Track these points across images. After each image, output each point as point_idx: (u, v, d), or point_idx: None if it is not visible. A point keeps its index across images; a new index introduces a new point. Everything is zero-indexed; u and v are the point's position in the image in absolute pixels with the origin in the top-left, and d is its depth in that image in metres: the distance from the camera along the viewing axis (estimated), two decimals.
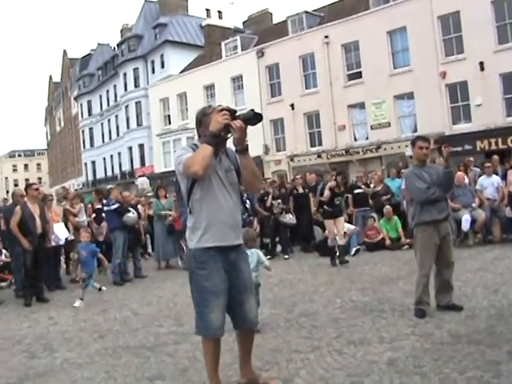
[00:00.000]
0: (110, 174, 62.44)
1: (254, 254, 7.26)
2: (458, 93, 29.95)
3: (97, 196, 15.65)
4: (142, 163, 52.90)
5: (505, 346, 5.67)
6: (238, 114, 4.65)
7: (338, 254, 13.32)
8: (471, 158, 18.27)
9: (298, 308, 8.56)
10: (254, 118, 4.63)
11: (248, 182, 4.93)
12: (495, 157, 16.97)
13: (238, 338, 5.17)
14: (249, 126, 4.61)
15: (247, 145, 4.72)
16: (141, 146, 53.45)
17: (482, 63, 28.33)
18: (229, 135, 4.67)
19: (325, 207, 13.66)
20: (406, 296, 8.48)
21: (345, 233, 13.88)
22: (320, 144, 36.01)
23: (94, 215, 15.31)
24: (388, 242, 15.52)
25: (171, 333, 7.64)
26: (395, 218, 15.88)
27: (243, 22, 54.13)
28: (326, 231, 14.05)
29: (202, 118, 4.85)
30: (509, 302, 7.57)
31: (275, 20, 51.36)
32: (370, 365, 5.48)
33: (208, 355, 4.86)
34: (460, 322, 6.76)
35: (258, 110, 4.73)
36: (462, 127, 29.56)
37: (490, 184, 14.82)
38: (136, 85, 54.07)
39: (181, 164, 4.64)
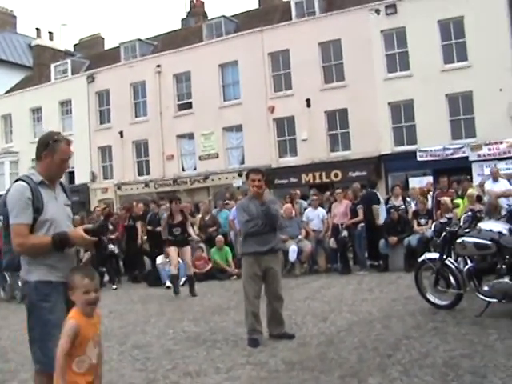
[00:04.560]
0: None
1: None
2: (286, 127, 31.01)
3: None
4: None
5: (337, 371, 5.88)
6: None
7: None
8: (297, 191, 18.88)
9: (130, 340, 8.38)
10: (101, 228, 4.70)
11: None
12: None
13: None
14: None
15: None
16: None
17: (308, 100, 29.57)
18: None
19: (167, 237, 13.36)
20: (238, 326, 8.55)
21: None
22: (148, 173, 35.69)
23: None
24: (221, 269, 15.66)
25: None
26: (226, 247, 16.05)
27: (74, 45, 52.67)
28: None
29: (51, 144, 4.64)
30: (337, 329, 7.85)
31: (107, 45, 50.60)
32: None
33: None
34: (293, 350, 6.92)
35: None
36: (289, 160, 30.64)
37: (315, 216, 15.44)
38: None
39: (15, 218, 4.46)
